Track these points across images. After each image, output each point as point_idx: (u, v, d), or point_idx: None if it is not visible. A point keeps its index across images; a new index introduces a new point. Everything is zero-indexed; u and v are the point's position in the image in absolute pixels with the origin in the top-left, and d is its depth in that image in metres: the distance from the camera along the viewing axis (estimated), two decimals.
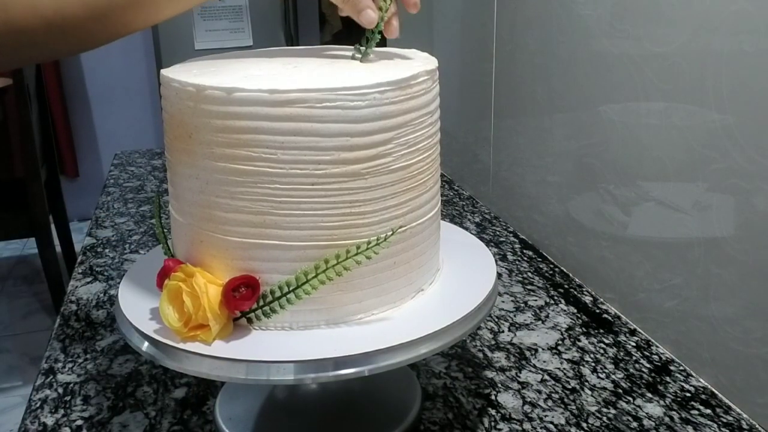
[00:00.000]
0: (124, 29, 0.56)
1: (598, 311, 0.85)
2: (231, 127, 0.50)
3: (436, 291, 0.60)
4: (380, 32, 0.59)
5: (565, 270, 0.95)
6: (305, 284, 0.52)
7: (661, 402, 0.67)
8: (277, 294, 0.52)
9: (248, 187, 0.51)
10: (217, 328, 0.52)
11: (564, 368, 0.73)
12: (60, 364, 0.76)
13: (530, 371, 0.73)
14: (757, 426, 0.64)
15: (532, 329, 0.81)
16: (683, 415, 0.65)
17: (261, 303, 0.53)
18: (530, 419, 0.65)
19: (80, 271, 0.99)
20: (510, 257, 1.00)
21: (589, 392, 0.69)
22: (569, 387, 0.70)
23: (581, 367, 0.73)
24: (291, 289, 0.52)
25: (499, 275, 0.93)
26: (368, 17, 0.57)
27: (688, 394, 0.68)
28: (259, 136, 0.50)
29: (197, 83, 0.51)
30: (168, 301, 0.53)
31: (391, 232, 0.52)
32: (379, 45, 0.60)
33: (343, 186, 0.51)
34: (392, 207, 0.54)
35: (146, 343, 0.54)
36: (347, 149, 0.51)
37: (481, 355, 0.76)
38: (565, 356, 0.75)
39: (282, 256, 0.52)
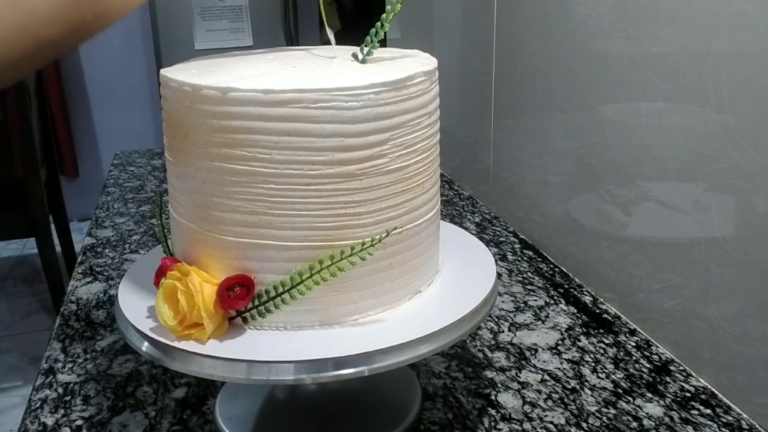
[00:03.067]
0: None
1: (598, 311, 0.84)
2: (226, 127, 0.50)
3: (435, 292, 0.60)
4: (384, 34, 0.59)
5: (565, 270, 0.95)
6: (300, 284, 0.52)
7: (661, 402, 0.67)
8: (272, 294, 0.52)
9: (243, 186, 0.51)
10: (211, 327, 0.52)
11: (564, 368, 0.73)
12: (60, 364, 0.76)
13: (530, 371, 0.73)
14: (757, 426, 0.64)
15: (532, 329, 0.81)
16: (683, 415, 0.65)
17: (256, 303, 0.53)
18: (530, 419, 0.65)
19: (80, 271, 0.99)
20: (510, 257, 1.00)
21: (589, 392, 0.69)
22: (569, 387, 0.70)
23: (581, 367, 0.73)
24: (285, 289, 0.52)
25: (499, 275, 0.93)
26: None
27: (688, 394, 0.68)
28: (253, 136, 0.50)
29: (194, 83, 0.51)
30: (164, 299, 0.53)
31: (385, 234, 0.52)
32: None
33: (338, 187, 0.51)
34: (388, 208, 0.54)
35: (146, 343, 0.54)
36: (342, 150, 0.51)
37: (481, 355, 0.76)
38: (565, 356, 0.75)
39: (277, 256, 0.52)
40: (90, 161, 3.37)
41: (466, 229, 1.01)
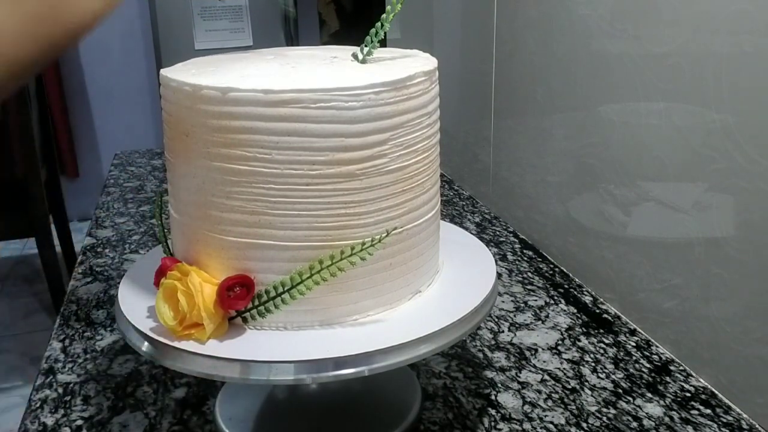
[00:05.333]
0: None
1: (598, 311, 0.84)
2: (226, 127, 0.50)
3: (435, 292, 0.60)
4: (384, 34, 0.59)
5: (565, 270, 0.95)
6: (300, 284, 0.52)
7: (661, 402, 0.67)
8: (272, 294, 0.52)
9: (243, 186, 0.51)
10: (211, 327, 0.52)
11: (564, 368, 0.73)
12: (60, 364, 0.76)
13: (530, 371, 0.73)
14: (757, 426, 0.64)
15: (532, 329, 0.81)
16: (683, 415, 0.65)
17: (256, 303, 0.53)
18: (530, 419, 0.65)
19: (80, 271, 0.99)
20: (510, 257, 1.00)
21: (589, 392, 0.69)
22: (569, 387, 0.70)
23: (581, 367, 0.73)
24: (285, 289, 0.52)
25: (499, 275, 0.93)
26: None
27: (688, 394, 0.68)
28: (254, 136, 0.50)
29: (194, 83, 0.51)
30: (164, 299, 0.53)
31: (385, 234, 0.52)
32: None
33: (338, 187, 0.51)
34: (388, 208, 0.54)
35: (146, 343, 0.54)
36: (342, 150, 0.51)
37: (481, 355, 0.76)
38: (565, 356, 0.75)
39: (277, 256, 0.52)
40: (90, 161, 3.37)
41: (466, 229, 1.01)
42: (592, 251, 0.89)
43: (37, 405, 0.69)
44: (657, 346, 0.76)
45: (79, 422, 0.66)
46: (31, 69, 0.54)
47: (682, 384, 0.70)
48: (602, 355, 0.75)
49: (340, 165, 0.51)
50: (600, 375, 0.72)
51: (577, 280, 0.92)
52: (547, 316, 0.83)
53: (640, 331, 0.80)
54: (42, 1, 0.51)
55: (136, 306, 0.57)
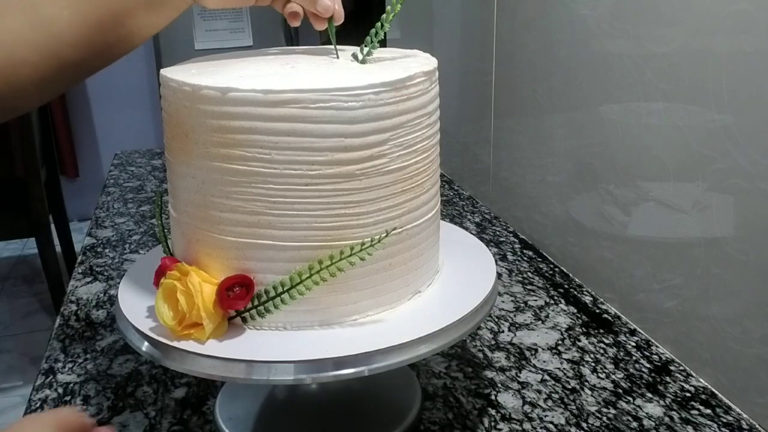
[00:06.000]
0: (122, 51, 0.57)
1: (598, 311, 0.84)
2: (226, 127, 0.50)
3: (435, 292, 0.60)
4: (384, 34, 0.59)
5: (565, 270, 0.95)
6: (299, 285, 0.52)
7: (661, 402, 0.67)
8: (272, 294, 0.52)
9: (243, 186, 0.51)
10: (211, 327, 0.52)
11: (564, 368, 0.73)
12: (60, 364, 0.76)
13: (530, 371, 0.73)
14: (757, 426, 0.64)
15: (532, 329, 0.81)
16: (683, 415, 0.65)
17: (255, 303, 0.53)
18: (530, 419, 0.65)
19: (80, 271, 0.99)
20: (510, 257, 1.00)
21: (589, 392, 0.69)
22: (569, 387, 0.70)
23: (581, 367, 0.73)
24: (285, 289, 0.52)
25: (499, 275, 0.93)
26: (324, 5, 0.58)
27: (688, 394, 0.68)
28: (253, 136, 0.50)
29: (193, 83, 0.51)
30: (163, 299, 0.53)
31: (385, 234, 0.52)
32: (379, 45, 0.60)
33: (337, 187, 0.51)
34: (387, 208, 0.54)
35: (146, 343, 0.54)
36: (341, 150, 0.51)
37: (481, 355, 0.76)
38: (565, 356, 0.75)
39: (276, 257, 0.52)
40: (90, 161, 3.37)
41: (466, 229, 1.01)
42: (592, 251, 0.89)
43: (37, 405, 0.69)
44: (657, 346, 0.76)
45: None
46: (83, 72, 0.54)
47: (682, 384, 0.70)
48: (602, 355, 0.75)
49: (339, 165, 0.51)
50: (600, 375, 0.72)
51: (577, 280, 0.92)
52: (547, 316, 0.83)
53: (640, 331, 0.80)
54: (106, 11, 0.52)
55: (136, 306, 0.57)
